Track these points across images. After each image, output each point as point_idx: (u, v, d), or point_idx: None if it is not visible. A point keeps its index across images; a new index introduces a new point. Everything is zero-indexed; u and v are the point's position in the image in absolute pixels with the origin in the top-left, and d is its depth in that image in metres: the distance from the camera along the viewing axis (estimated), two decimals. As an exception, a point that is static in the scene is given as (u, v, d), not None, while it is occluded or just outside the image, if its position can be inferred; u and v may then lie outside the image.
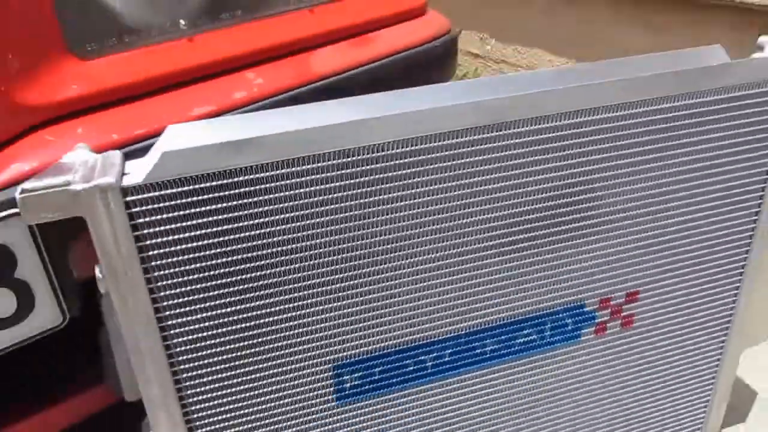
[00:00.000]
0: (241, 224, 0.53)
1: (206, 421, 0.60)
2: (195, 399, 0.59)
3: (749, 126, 0.65)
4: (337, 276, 0.57)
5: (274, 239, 0.54)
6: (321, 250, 0.56)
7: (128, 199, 0.50)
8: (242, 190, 0.52)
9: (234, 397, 0.60)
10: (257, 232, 0.54)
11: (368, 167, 0.54)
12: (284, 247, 0.55)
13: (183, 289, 0.54)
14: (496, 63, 2.42)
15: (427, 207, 0.57)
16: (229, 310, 0.56)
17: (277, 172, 0.52)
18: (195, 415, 0.60)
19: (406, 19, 0.87)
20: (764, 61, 0.63)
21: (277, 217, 0.53)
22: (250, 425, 0.62)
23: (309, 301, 0.58)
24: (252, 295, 0.56)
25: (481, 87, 0.56)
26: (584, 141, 0.60)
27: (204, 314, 0.55)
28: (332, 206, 0.54)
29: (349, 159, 0.54)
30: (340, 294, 0.58)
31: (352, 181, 0.54)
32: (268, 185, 0.52)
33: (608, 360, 0.74)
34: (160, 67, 0.62)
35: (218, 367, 0.58)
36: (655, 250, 0.68)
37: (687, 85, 0.61)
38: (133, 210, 0.50)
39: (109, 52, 0.61)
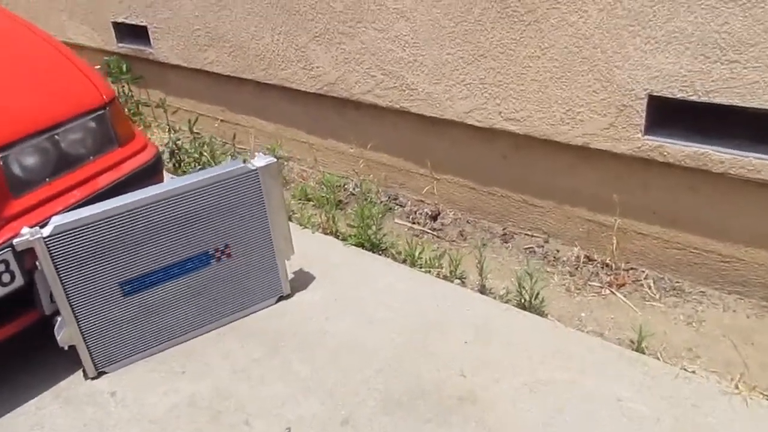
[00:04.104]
0: (82, 245, 1.80)
1: (77, 314, 1.86)
2: (76, 307, 1.85)
3: (244, 193, 2.05)
4: (129, 246, 1.86)
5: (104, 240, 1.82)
6: (131, 236, 1.85)
7: (46, 239, 1.75)
8: (76, 236, 1.80)
9: (83, 306, 1.86)
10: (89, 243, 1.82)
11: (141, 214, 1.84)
12: (114, 240, 1.83)
13: (63, 265, 1.80)
14: (224, 121, 3.79)
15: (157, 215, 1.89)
16: (78, 280, 1.83)
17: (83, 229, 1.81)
18: (77, 314, 1.86)
19: (140, 152, 2.16)
20: (238, 168, 2.02)
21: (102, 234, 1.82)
22: (87, 313, 1.89)
23: (118, 271, 1.86)
24: (90, 269, 1.83)
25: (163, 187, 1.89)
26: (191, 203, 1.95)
27: (71, 279, 1.81)
28: (134, 227, 1.84)
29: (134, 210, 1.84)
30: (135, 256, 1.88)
31: (140, 216, 1.84)
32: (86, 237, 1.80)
33: (222, 271, 2.10)
34: (43, 195, 1.86)
35: (77, 299, 1.84)
36: (233, 240, 2.06)
37: (204, 181, 1.98)
38: (47, 241, 1.75)
39: (25, 194, 1.83)
